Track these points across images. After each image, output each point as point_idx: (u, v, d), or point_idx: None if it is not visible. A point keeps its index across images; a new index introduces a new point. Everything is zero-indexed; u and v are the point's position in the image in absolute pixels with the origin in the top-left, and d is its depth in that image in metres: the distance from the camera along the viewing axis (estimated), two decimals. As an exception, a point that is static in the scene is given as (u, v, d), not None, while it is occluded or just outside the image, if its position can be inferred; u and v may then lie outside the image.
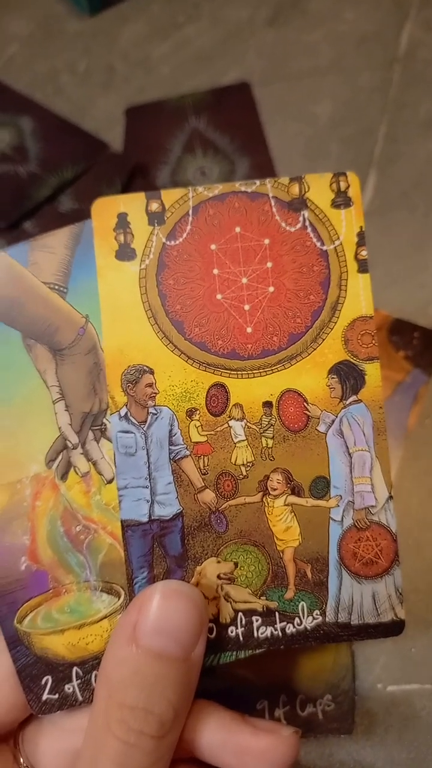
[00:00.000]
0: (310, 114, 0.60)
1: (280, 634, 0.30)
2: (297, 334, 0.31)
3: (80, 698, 0.30)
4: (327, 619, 0.30)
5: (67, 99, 0.63)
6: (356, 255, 0.31)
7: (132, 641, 0.26)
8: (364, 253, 0.31)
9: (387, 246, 0.53)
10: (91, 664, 0.30)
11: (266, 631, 0.30)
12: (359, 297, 0.31)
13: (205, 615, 0.28)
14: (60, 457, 0.31)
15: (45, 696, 0.30)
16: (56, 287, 0.31)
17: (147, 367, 0.31)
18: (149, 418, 0.30)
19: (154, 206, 0.31)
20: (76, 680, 0.30)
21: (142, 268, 0.30)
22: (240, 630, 0.30)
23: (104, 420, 0.31)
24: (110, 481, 0.31)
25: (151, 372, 0.31)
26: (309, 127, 0.59)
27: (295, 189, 0.31)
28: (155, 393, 0.31)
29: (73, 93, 0.64)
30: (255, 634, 0.30)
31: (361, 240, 0.31)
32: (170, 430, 0.31)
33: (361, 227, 0.31)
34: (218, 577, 0.30)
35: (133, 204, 0.31)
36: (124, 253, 0.30)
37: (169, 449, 0.31)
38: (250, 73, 0.63)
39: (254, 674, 0.37)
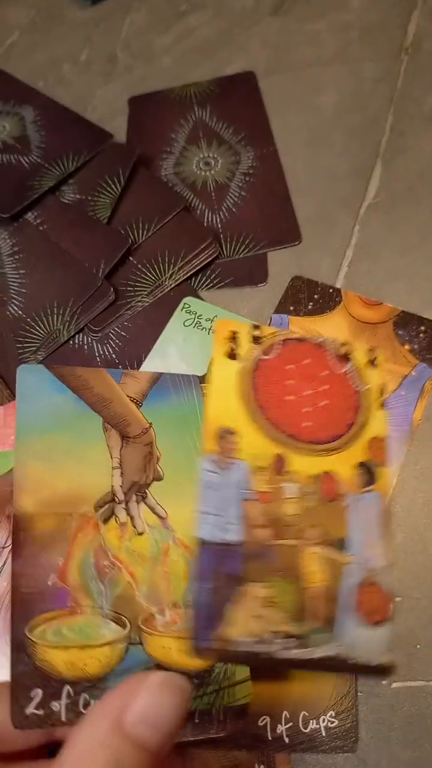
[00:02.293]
0: (314, 105, 0.59)
1: (298, 657, 0.36)
2: (337, 435, 0.42)
3: (64, 718, 0.33)
4: (333, 653, 0.36)
5: (68, 88, 0.62)
6: (379, 398, 0.44)
7: (118, 727, 0.26)
8: (382, 398, 0.44)
9: (392, 239, 0.52)
10: (83, 686, 0.34)
11: (290, 653, 0.36)
12: (378, 424, 0.43)
13: (189, 705, 0.31)
14: (106, 507, 0.39)
15: (30, 710, 0.33)
16: (134, 401, 0.43)
17: (233, 430, 0.41)
18: (230, 466, 0.40)
19: (256, 332, 0.44)
20: (66, 699, 0.34)
21: (242, 366, 0.43)
22: (273, 648, 0.36)
23: (146, 490, 0.40)
24: (140, 534, 0.39)
25: (237, 434, 0.41)
26: (313, 118, 0.59)
27: (344, 349, 0.45)
28: (236, 449, 0.41)
29: (74, 82, 0.62)
30: (280, 654, 0.36)
31: (383, 392, 0.45)
32: (244, 478, 0.40)
33: (383, 384, 0.45)
34: (262, 599, 0.37)
35: (243, 327, 0.44)
36: (233, 355, 0.44)
37: (241, 492, 0.39)
38: (254, 63, 0.62)
39: (256, 690, 0.38)
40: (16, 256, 0.52)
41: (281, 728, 0.37)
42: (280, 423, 0.43)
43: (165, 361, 0.48)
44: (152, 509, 0.40)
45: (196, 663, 0.37)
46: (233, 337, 0.44)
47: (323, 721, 0.37)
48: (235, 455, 0.41)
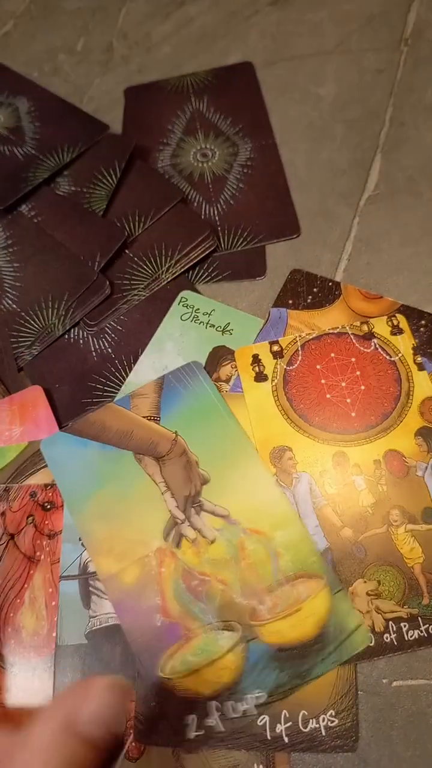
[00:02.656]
0: (314, 96, 0.58)
1: (425, 634, 0.38)
2: (387, 413, 0.44)
3: (222, 728, 0.37)
4: None
5: (64, 78, 0.61)
6: (414, 360, 0.46)
7: (70, 726, 0.27)
8: (419, 359, 0.46)
9: (393, 231, 0.51)
10: (226, 695, 0.37)
11: (414, 634, 0.38)
12: (423, 385, 0.45)
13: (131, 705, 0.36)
14: (173, 531, 0.41)
15: (191, 735, 0.37)
16: (152, 417, 0.45)
17: (286, 446, 0.43)
18: (293, 481, 0.42)
19: (275, 348, 0.46)
20: (217, 713, 0.37)
21: (273, 385, 0.45)
22: (393, 636, 0.38)
23: (200, 498, 0.42)
24: (213, 541, 0.41)
25: (290, 450, 0.43)
26: (313, 110, 0.58)
27: (365, 327, 0.47)
28: (296, 463, 0.43)
29: (71, 72, 0.62)
30: (406, 638, 0.38)
31: (416, 352, 0.46)
32: (310, 488, 0.42)
33: (413, 345, 0.46)
34: (367, 594, 0.39)
35: (262, 347, 0.47)
36: (260, 377, 0.46)
37: (312, 501, 0.42)
38: (253, 53, 0.61)
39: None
40: (10, 249, 0.51)
41: (281, 727, 0.36)
42: (327, 423, 0.44)
43: (162, 357, 0.47)
44: (213, 513, 0.42)
45: (310, 632, 0.38)
46: (256, 360, 0.46)
47: (323, 721, 0.37)
48: (295, 469, 0.43)
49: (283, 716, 0.37)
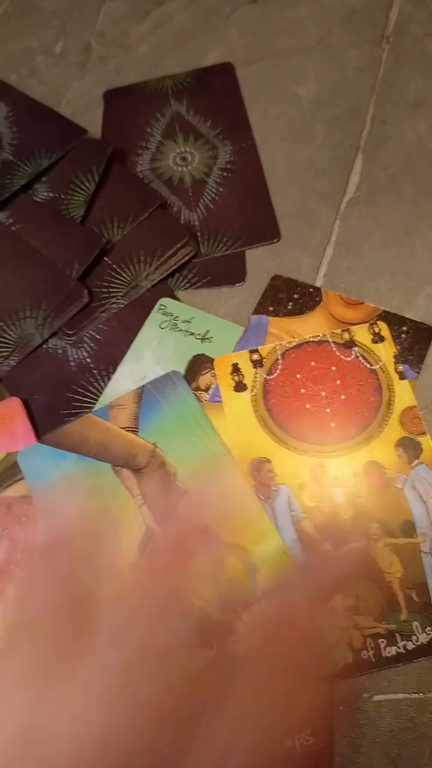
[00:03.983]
0: (294, 94, 0.57)
1: (404, 651, 0.38)
2: (367, 423, 0.43)
3: None
4: None
5: (42, 80, 0.60)
6: (395, 369, 0.45)
7: None
8: (400, 368, 0.45)
9: (374, 234, 0.51)
10: None
11: (392, 650, 0.38)
12: (404, 395, 0.44)
13: None
14: (150, 545, 0.41)
15: None
16: (130, 429, 0.44)
17: (266, 458, 0.43)
18: (272, 494, 0.42)
19: (255, 357, 0.46)
20: None
21: (252, 395, 0.45)
22: (371, 653, 0.38)
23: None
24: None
25: (269, 462, 0.43)
26: (293, 108, 0.57)
27: (346, 335, 0.46)
28: (275, 475, 0.42)
29: (48, 74, 0.61)
30: (383, 654, 0.38)
31: (397, 360, 0.45)
32: (289, 501, 0.42)
33: (395, 353, 0.46)
34: (345, 609, 0.39)
35: (242, 356, 0.46)
36: (240, 387, 0.45)
37: (291, 514, 0.41)
38: (232, 51, 0.60)
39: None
40: (-13, 258, 0.50)
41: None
42: (307, 435, 0.44)
43: (140, 366, 0.47)
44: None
45: None
46: (235, 369, 0.46)
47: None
48: (274, 481, 0.42)
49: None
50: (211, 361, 0.46)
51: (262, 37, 0.60)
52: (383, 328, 0.46)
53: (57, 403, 0.46)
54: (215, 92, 0.58)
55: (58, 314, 0.48)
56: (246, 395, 0.45)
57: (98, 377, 0.47)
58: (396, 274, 0.49)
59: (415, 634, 0.38)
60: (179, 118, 0.57)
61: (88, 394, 0.47)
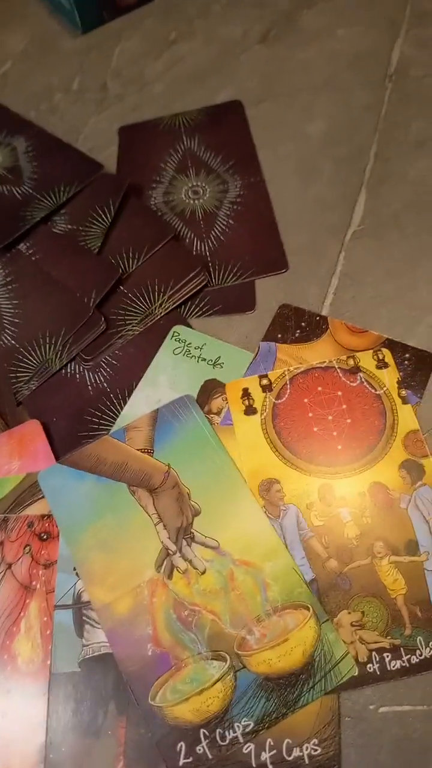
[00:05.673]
0: (302, 133, 0.60)
1: (407, 664, 0.40)
2: (372, 446, 0.46)
3: (210, 756, 0.38)
4: None
5: (61, 117, 0.63)
6: (398, 394, 0.48)
7: None
8: (403, 393, 0.48)
9: (377, 266, 0.53)
10: (214, 723, 0.38)
11: (396, 664, 0.40)
12: (406, 418, 0.47)
13: None
14: (165, 562, 0.43)
15: (182, 762, 0.38)
16: (146, 450, 0.46)
17: (275, 479, 0.45)
18: (281, 513, 0.44)
19: (264, 381, 0.48)
20: (204, 740, 0.38)
21: (262, 419, 0.47)
22: (376, 666, 0.39)
23: (192, 530, 0.44)
24: (203, 572, 0.42)
25: (278, 482, 0.45)
26: (302, 147, 0.60)
27: (352, 361, 0.49)
28: (283, 495, 0.44)
29: (67, 111, 0.64)
30: (388, 668, 0.39)
31: (400, 385, 0.48)
32: (297, 520, 0.44)
33: (398, 378, 0.48)
34: (351, 624, 0.40)
35: (252, 381, 0.48)
36: (250, 410, 0.47)
37: (299, 533, 0.43)
38: (244, 90, 0.63)
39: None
40: (9, 287, 0.53)
41: (265, 755, 0.38)
42: (314, 456, 0.46)
43: (155, 390, 0.49)
44: (203, 545, 0.43)
45: (297, 662, 0.40)
46: (246, 394, 0.48)
47: (306, 749, 0.38)
48: (283, 501, 0.44)
49: (268, 744, 0.38)
50: (222, 385, 0.48)
51: (273, 76, 0.63)
52: (387, 354, 0.49)
53: (75, 426, 0.49)
54: (225, 128, 0.61)
55: (76, 341, 0.50)
56: (256, 418, 0.47)
57: (115, 401, 0.49)
58: (399, 304, 0.51)
59: (419, 649, 0.40)
60: (191, 154, 0.60)
61: (105, 417, 0.49)
